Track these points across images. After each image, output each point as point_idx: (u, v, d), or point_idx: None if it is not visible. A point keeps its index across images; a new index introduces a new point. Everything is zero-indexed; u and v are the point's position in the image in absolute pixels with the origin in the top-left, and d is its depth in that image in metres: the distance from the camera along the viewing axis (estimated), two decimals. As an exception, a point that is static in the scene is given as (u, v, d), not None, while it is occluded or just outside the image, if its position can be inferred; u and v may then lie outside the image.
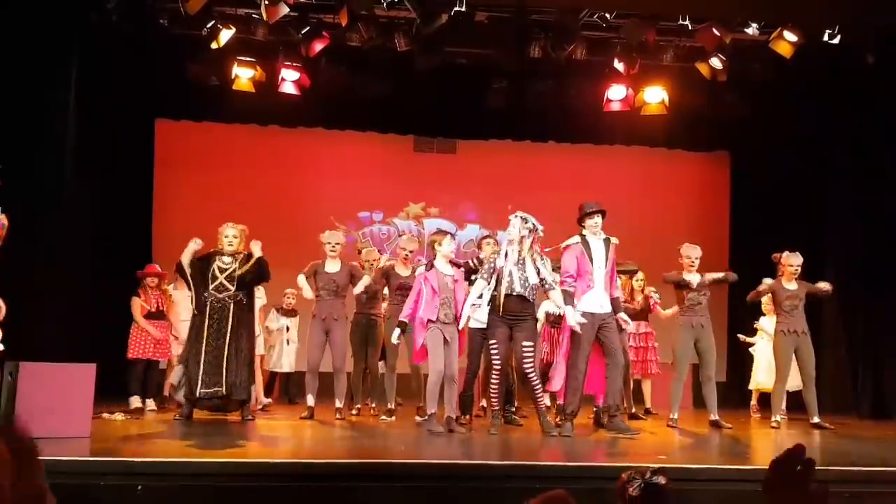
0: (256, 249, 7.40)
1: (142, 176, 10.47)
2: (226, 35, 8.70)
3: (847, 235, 9.79)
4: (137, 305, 8.18)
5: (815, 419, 7.86)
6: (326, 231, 8.15)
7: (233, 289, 7.30)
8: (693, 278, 7.74)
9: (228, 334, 7.24)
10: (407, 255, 7.91)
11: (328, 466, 5.00)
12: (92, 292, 8.89)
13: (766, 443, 7.27)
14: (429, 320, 6.75)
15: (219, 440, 6.13)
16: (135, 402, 7.98)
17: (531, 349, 6.76)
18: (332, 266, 7.82)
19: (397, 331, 7.05)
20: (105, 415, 7.21)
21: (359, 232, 11.26)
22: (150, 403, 8.14)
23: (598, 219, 6.94)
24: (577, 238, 6.96)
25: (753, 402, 9.25)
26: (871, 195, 9.44)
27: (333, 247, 7.83)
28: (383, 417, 7.74)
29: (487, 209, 11.45)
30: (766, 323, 8.99)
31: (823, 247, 9.81)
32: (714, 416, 7.67)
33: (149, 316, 8.16)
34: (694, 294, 7.70)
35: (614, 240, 7.10)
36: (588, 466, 5.14)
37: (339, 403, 7.73)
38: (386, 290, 8.18)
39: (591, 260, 6.86)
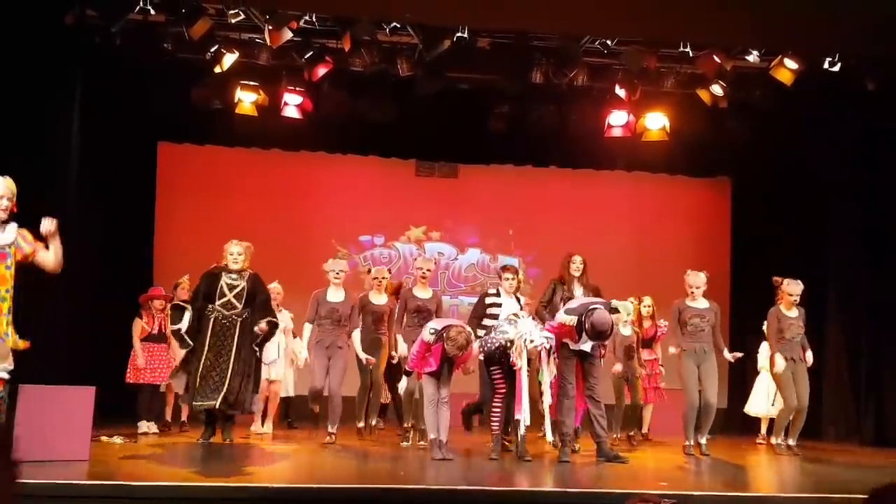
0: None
1: (144, 198, 10.46)
2: (229, 59, 8.75)
3: (849, 262, 9.77)
4: (139, 327, 8.11)
5: (791, 441, 7.86)
6: (330, 259, 8.11)
7: (240, 306, 7.31)
8: (698, 304, 7.66)
9: (233, 352, 7.21)
10: (425, 273, 7.87)
11: (327, 491, 4.97)
12: (93, 315, 8.87)
13: (768, 470, 7.23)
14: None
15: (218, 465, 6.11)
16: (143, 426, 7.90)
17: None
18: (336, 295, 7.78)
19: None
20: (104, 438, 7.17)
21: (360, 256, 11.26)
22: (152, 426, 8.08)
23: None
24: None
25: (762, 430, 9.14)
26: (873, 222, 9.44)
27: (338, 274, 7.80)
28: (404, 444, 7.64)
29: (489, 233, 11.47)
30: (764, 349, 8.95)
31: (825, 273, 9.78)
32: (702, 441, 7.59)
33: (149, 338, 8.10)
34: (696, 320, 7.63)
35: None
36: (591, 493, 5.10)
37: (331, 429, 7.62)
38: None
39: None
